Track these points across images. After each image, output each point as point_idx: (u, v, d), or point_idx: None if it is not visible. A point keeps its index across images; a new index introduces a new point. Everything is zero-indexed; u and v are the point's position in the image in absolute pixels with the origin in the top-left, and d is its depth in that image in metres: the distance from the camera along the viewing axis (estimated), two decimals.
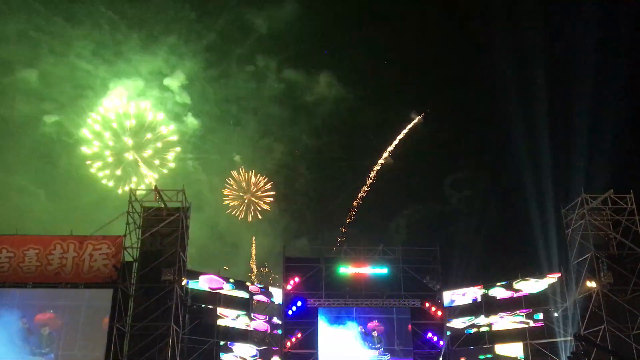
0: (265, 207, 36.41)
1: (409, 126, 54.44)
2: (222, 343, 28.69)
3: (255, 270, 37.16)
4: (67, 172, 46.58)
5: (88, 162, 46.68)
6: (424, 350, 30.60)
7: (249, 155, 50.87)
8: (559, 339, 27.98)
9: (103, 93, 49.06)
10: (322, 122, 54.58)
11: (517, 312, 29.74)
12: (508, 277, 30.66)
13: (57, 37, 48.36)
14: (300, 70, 57.22)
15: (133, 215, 26.36)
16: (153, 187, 27.19)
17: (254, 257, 38.58)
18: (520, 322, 29.56)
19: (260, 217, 38.69)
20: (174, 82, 54.01)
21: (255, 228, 43.31)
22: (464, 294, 31.63)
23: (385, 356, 30.49)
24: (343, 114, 55.15)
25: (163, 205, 26.64)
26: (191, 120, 53.82)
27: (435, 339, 31.05)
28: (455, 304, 31.77)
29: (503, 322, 30.14)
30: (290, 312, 30.96)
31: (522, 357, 29.00)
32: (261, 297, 31.03)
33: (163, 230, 26.48)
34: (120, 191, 45.01)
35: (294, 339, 30.47)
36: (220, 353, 28.41)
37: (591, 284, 26.10)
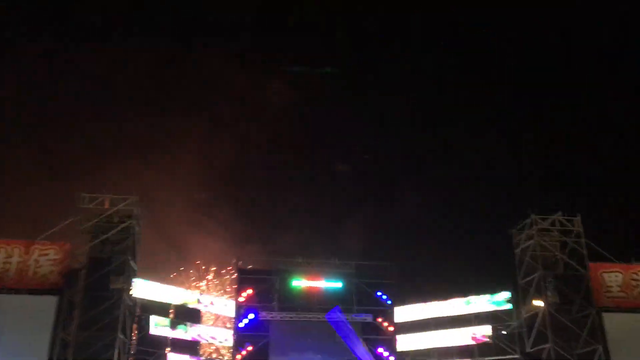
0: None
1: None
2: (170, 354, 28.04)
3: (207, 279, 36.44)
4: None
5: None
6: None
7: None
8: (506, 357, 28.50)
9: None
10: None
11: (466, 328, 30.13)
12: (458, 294, 31.10)
13: None
14: None
15: (82, 221, 25.61)
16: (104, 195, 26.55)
17: (204, 267, 37.76)
18: (470, 339, 29.96)
19: None
20: None
21: (204, 230, 42.02)
22: (415, 310, 31.90)
23: None
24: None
25: (114, 212, 26.03)
26: None
27: (386, 354, 31.17)
28: (406, 319, 31.99)
29: (452, 338, 30.49)
30: (241, 325, 30.52)
31: None
32: (212, 309, 30.51)
33: (113, 237, 25.83)
34: None
35: (244, 352, 30.03)
36: None
37: (538, 303, 26.77)
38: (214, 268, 39.89)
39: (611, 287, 26.93)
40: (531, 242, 27.67)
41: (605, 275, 27.14)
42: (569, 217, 28.09)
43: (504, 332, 28.76)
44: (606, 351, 25.44)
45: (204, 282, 40.13)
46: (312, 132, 48.21)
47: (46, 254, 24.50)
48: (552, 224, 28.01)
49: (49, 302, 23.83)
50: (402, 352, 31.40)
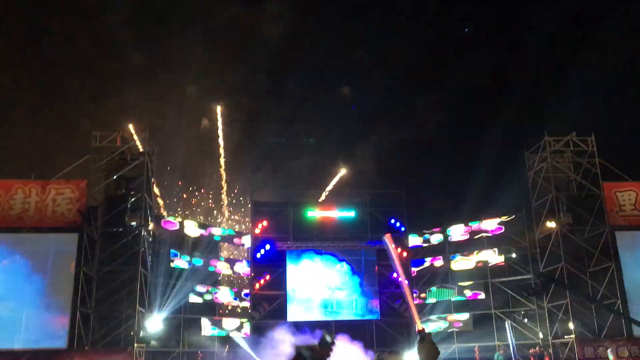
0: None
1: None
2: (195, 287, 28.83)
3: (226, 214, 36.82)
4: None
5: None
6: (390, 290, 31.37)
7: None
8: (519, 277, 29.02)
9: None
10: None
11: (479, 251, 30.55)
12: (470, 218, 31.34)
13: None
14: None
15: (96, 159, 25.85)
16: (117, 131, 26.66)
17: (224, 200, 37.84)
18: (482, 261, 30.42)
19: None
20: None
21: (215, 160, 41.88)
22: (428, 235, 32.32)
23: (353, 296, 31.27)
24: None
25: (127, 149, 26.21)
26: None
27: (400, 279, 31.82)
28: (419, 244, 32.49)
29: (465, 262, 30.97)
30: (258, 256, 31.23)
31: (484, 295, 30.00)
32: (228, 240, 31.16)
33: (128, 174, 26.14)
34: None
35: (262, 281, 30.87)
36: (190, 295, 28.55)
37: (551, 224, 26.95)
38: (225, 201, 40.12)
39: (624, 205, 26.93)
40: (544, 164, 27.54)
41: (619, 194, 27.09)
42: (583, 137, 27.79)
43: (514, 255, 29.00)
44: (618, 268, 25.75)
45: (219, 215, 40.58)
46: (315, 56, 46.73)
47: (63, 193, 24.89)
48: (566, 144, 27.76)
49: (70, 240, 24.44)
50: (415, 276, 32.08)
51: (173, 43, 45.08)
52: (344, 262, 31.77)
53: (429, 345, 4.16)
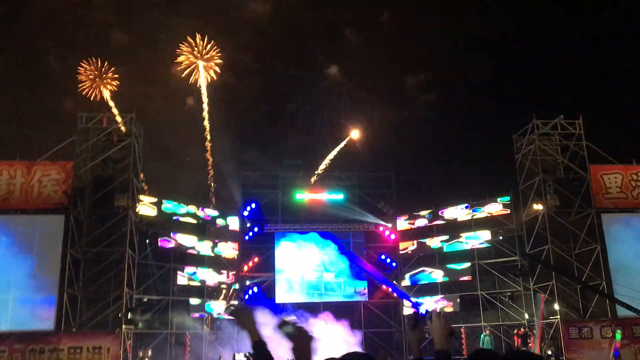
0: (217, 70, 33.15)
1: None
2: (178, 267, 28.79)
3: (212, 190, 36.20)
4: None
5: None
6: (378, 271, 31.55)
7: None
8: (505, 259, 29.28)
9: None
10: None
11: (466, 233, 30.74)
12: (458, 200, 31.50)
13: None
14: None
15: (82, 141, 25.61)
16: (103, 112, 26.40)
17: (211, 175, 37.05)
18: (469, 244, 30.62)
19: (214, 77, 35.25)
20: None
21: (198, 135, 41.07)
22: (416, 218, 32.46)
23: (341, 278, 31.43)
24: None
25: (113, 130, 25.98)
26: None
27: (388, 260, 32.06)
28: (407, 226, 32.64)
29: (452, 244, 31.17)
30: (247, 237, 31.23)
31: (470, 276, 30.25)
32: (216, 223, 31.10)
33: (114, 155, 25.93)
34: None
35: (250, 263, 30.90)
36: (178, 277, 28.50)
37: (538, 207, 27.12)
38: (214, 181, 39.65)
39: (610, 188, 27.14)
40: (532, 146, 27.66)
41: (605, 177, 27.29)
42: (571, 120, 27.91)
43: (502, 237, 29.20)
44: (604, 250, 26.03)
45: (209, 195, 40.22)
46: (301, 34, 45.97)
47: (48, 174, 24.65)
48: (554, 127, 27.88)
49: (56, 221, 24.31)
50: (403, 258, 32.27)
51: (157, 21, 44.26)
52: (332, 244, 31.87)
53: (436, 322, 3.91)
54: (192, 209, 30.04)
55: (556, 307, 25.59)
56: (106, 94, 29.97)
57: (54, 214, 24.41)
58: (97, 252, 24.48)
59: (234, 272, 31.01)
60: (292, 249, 31.66)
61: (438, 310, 4.43)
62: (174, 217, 28.98)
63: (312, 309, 29.80)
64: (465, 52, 43.96)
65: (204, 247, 30.10)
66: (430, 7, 43.76)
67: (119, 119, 26.93)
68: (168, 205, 29.04)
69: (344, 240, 32.12)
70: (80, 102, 29.96)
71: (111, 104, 29.23)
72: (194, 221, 29.91)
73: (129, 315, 23.95)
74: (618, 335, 23.83)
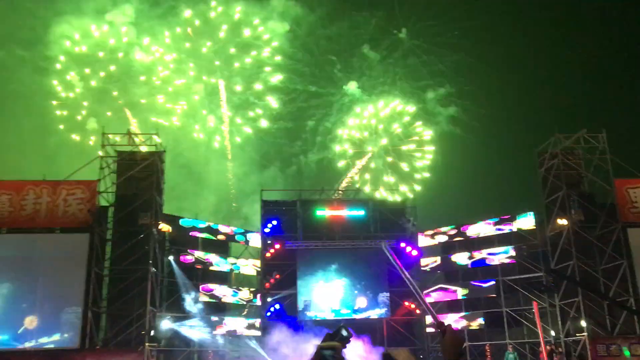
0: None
1: None
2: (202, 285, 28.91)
3: (234, 206, 36.55)
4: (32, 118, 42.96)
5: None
6: (400, 288, 31.22)
7: None
8: (530, 275, 28.84)
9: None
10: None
11: (490, 249, 30.38)
12: (481, 216, 31.21)
13: None
14: None
15: (106, 160, 26.04)
16: (126, 131, 26.82)
17: (232, 198, 37.59)
18: (494, 259, 30.25)
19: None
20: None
21: (219, 154, 41.44)
22: (438, 234, 32.20)
23: (362, 295, 31.20)
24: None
25: (136, 150, 26.36)
26: None
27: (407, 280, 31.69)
28: (430, 243, 32.38)
29: (476, 260, 30.81)
30: (268, 255, 31.23)
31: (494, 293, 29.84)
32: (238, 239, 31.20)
33: (138, 174, 26.24)
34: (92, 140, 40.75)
35: (272, 280, 30.86)
36: (200, 294, 28.61)
37: (562, 222, 26.76)
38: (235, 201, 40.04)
39: (636, 202, 26.69)
40: (555, 161, 27.38)
41: (631, 191, 26.87)
42: (594, 134, 27.59)
43: (525, 253, 28.80)
44: (630, 265, 25.55)
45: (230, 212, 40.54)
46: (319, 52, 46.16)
47: (73, 193, 25.06)
48: (577, 141, 27.59)
49: (81, 239, 24.61)
50: (425, 275, 31.96)
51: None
52: (354, 259, 31.68)
53: (450, 337, 4.06)
54: (212, 224, 30.26)
55: (583, 324, 25.12)
56: (129, 114, 30.53)
57: (78, 232, 24.75)
58: (120, 269, 24.72)
59: (254, 290, 31.02)
60: (314, 265, 31.53)
61: (453, 327, 4.49)
62: (191, 233, 29.16)
63: (333, 326, 29.52)
64: (489, 67, 43.78)
65: (225, 264, 30.22)
66: (448, 22, 43.92)
67: (142, 137, 27.36)
68: (186, 218, 29.36)
69: (366, 256, 31.87)
70: (104, 121, 30.49)
71: (134, 123, 29.76)
72: (214, 237, 30.09)
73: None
74: (627, 352, 23.26)
